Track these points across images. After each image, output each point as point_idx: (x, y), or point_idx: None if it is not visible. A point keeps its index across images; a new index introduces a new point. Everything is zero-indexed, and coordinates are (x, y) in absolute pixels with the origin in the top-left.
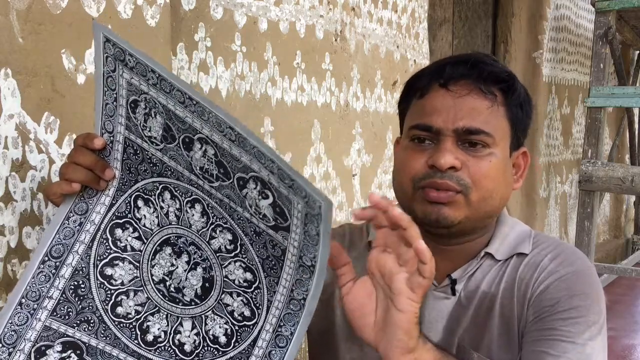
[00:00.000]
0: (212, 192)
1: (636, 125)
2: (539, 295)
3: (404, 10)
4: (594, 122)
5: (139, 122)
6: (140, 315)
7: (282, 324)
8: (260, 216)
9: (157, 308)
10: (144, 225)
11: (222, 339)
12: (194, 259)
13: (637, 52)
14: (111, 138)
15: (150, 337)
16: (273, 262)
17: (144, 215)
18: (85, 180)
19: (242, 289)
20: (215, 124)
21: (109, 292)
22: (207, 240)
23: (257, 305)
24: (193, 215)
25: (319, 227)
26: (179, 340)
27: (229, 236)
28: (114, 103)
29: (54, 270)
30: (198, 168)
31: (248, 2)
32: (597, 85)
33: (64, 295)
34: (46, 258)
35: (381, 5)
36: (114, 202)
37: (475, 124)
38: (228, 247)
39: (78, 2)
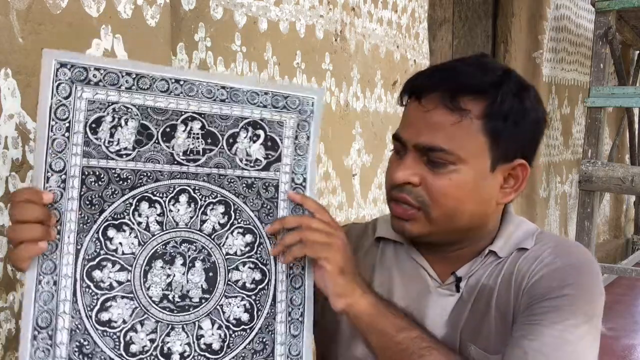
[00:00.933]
0: (199, 171)
1: (636, 125)
2: (532, 285)
3: (404, 10)
4: (594, 122)
5: (102, 140)
6: (156, 343)
7: (291, 264)
8: (251, 164)
9: (170, 326)
10: (123, 253)
11: (245, 317)
12: (189, 256)
13: (637, 52)
14: (62, 177)
15: (176, 358)
16: (268, 206)
17: (120, 243)
18: (44, 237)
19: (246, 255)
20: (205, 92)
21: (114, 337)
22: (198, 228)
23: (265, 262)
24: (178, 210)
25: (308, 129)
26: (204, 343)
27: (221, 209)
28: (66, 134)
29: (49, 341)
30: (182, 153)
31: (248, 2)
32: (597, 85)
33: None
34: (36, 332)
35: (381, 5)
36: (79, 247)
37: (435, 141)
38: (222, 221)
39: (78, 2)
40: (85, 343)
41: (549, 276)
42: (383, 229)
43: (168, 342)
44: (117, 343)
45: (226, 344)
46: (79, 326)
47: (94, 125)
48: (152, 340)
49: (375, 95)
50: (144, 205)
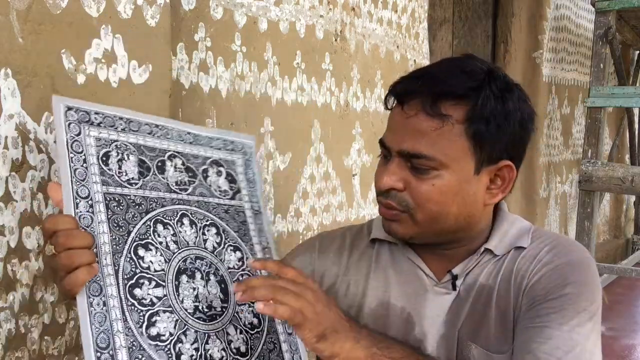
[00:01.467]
0: (191, 198)
1: (636, 125)
2: (533, 285)
3: (404, 10)
4: (594, 122)
5: (114, 171)
6: (200, 352)
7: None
8: (222, 193)
9: (206, 335)
10: (155, 271)
11: (255, 321)
12: (204, 270)
13: (637, 52)
14: (89, 202)
15: None
16: (243, 229)
17: (150, 261)
18: (94, 260)
19: (240, 269)
20: (177, 136)
21: (166, 349)
22: (203, 246)
23: (253, 274)
24: (185, 231)
25: (252, 167)
26: (234, 347)
27: (214, 230)
28: (84, 165)
29: None
30: (174, 184)
31: (248, 2)
32: (597, 85)
33: None
34: (98, 354)
35: (381, 5)
36: (116, 267)
37: (417, 147)
38: (217, 240)
39: (78, 2)
40: (143, 359)
41: (549, 276)
42: (378, 231)
43: (209, 350)
44: (170, 356)
45: (249, 346)
46: (134, 343)
47: (104, 158)
48: (196, 350)
49: (375, 95)
50: (160, 227)
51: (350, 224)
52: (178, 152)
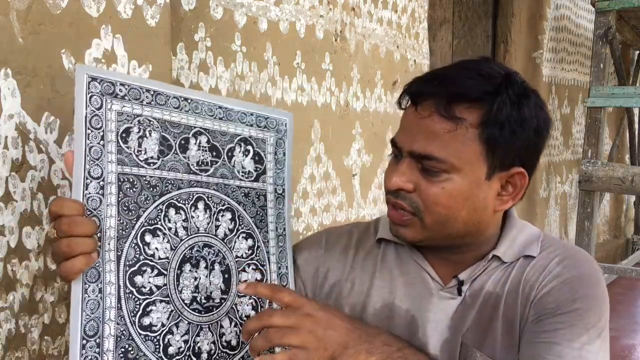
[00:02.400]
0: (210, 180)
1: (636, 125)
2: (542, 298)
3: (404, 10)
4: (594, 122)
5: (132, 149)
6: (189, 344)
7: (280, 265)
8: (246, 175)
9: (199, 327)
10: (159, 258)
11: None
12: (210, 259)
13: (637, 52)
14: (101, 183)
15: (205, 356)
16: (260, 214)
17: (156, 248)
18: (95, 248)
19: (249, 258)
20: (207, 111)
21: (155, 340)
22: (214, 233)
23: (262, 263)
24: (198, 216)
25: (284, 146)
26: (225, 341)
27: (229, 215)
28: (101, 142)
29: (97, 349)
30: (195, 164)
31: (248, 2)
32: (597, 85)
33: None
34: (84, 341)
35: (381, 5)
36: (119, 253)
37: (429, 149)
38: (230, 227)
39: (78, 2)
40: (130, 349)
41: (558, 289)
42: (384, 231)
43: (198, 342)
44: (157, 346)
45: (240, 340)
46: (124, 332)
47: (124, 135)
48: (185, 342)
49: (375, 95)
50: (172, 212)
51: (356, 221)
52: (205, 129)
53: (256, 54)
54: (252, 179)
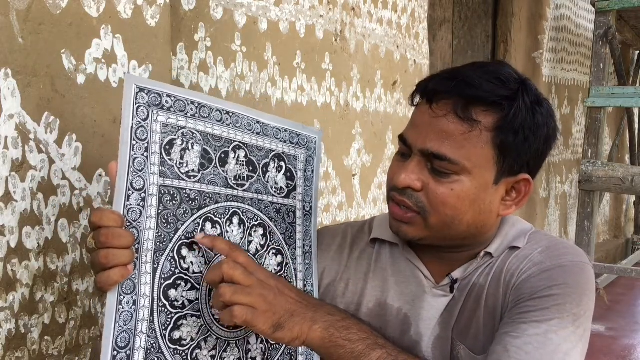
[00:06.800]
0: (245, 195)
1: (636, 125)
2: (520, 284)
3: (404, 10)
4: (594, 122)
5: (174, 162)
6: (216, 359)
7: (306, 282)
8: (278, 191)
9: (227, 342)
10: (194, 272)
11: None
12: None
13: (637, 52)
14: (142, 195)
15: None
16: (290, 230)
17: (191, 262)
18: (132, 260)
19: (278, 274)
20: (246, 125)
21: (183, 354)
22: (247, 248)
23: (290, 280)
24: (232, 231)
25: (313, 164)
26: (251, 357)
27: (261, 231)
28: (145, 154)
29: None
30: (232, 178)
31: (248, 2)
32: (597, 85)
33: None
34: (115, 352)
35: (381, 5)
36: (155, 266)
37: (442, 149)
38: (261, 243)
39: (78, 2)
40: None
41: (537, 275)
42: (378, 231)
43: (225, 358)
44: None
45: (265, 356)
46: (154, 345)
47: (167, 147)
48: (212, 357)
49: (375, 95)
50: (208, 226)
51: (351, 221)
52: (243, 144)
53: (256, 54)
54: (284, 195)
